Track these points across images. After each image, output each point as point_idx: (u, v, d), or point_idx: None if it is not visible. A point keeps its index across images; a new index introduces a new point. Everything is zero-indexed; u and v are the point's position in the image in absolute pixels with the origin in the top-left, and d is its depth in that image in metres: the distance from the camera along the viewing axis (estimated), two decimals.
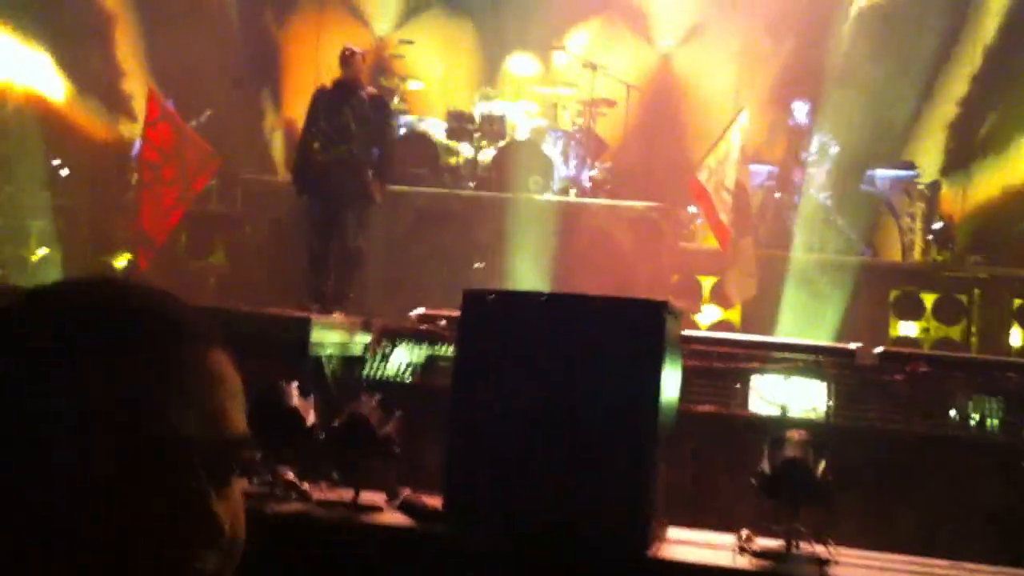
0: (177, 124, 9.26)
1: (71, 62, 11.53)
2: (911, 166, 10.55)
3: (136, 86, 11.58)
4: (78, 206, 10.17)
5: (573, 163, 10.84)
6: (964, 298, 8.85)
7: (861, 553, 4.32)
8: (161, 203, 8.96)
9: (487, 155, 10.76)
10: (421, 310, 7.25)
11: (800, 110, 10.83)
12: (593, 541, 4.43)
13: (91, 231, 9.82)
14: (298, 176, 8.48)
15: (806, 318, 8.35)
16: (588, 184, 10.85)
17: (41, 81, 11.43)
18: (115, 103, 11.65)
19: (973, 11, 11.30)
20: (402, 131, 10.74)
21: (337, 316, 7.27)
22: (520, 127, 10.94)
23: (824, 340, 7.36)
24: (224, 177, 9.82)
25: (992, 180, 10.78)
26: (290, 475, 4.80)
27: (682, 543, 4.48)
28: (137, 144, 10.02)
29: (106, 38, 11.93)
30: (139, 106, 10.60)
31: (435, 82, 11.94)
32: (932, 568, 4.32)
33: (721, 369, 5.95)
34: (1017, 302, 8.79)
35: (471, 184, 10.64)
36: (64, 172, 10.66)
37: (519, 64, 12.06)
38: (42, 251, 9.95)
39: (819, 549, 4.16)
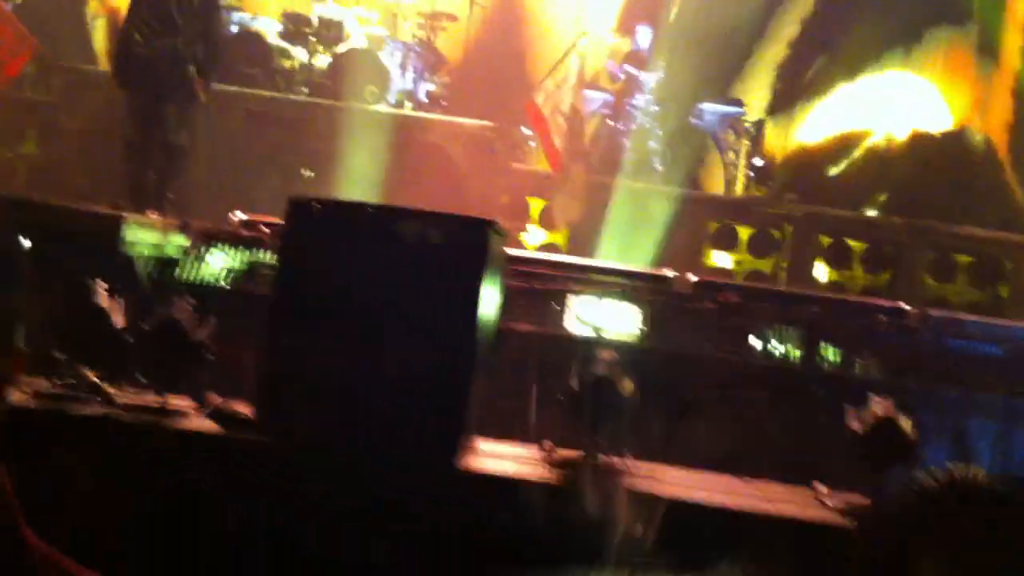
0: None
1: None
2: (739, 103, 10.85)
3: None
4: None
5: (410, 76, 10.71)
6: (777, 233, 9.23)
7: (656, 466, 4.52)
8: None
9: (322, 61, 10.51)
10: (242, 214, 7.09)
11: (643, 35, 10.96)
12: (403, 454, 4.48)
13: None
14: (118, 68, 8.11)
15: (628, 245, 8.55)
16: (425, 98, 10.75)
17: None
18: None
19: None
20: (234, 29, 10.36)
21: (153, 215, 7.04)
22: (358, 34, 10.71)
23: (643, 266, 7.56)
24: (41, 64, 9.29)
25: (814, 123, 11.20)
26: (93, 377, 4.66)
27: (491, 456, 4.59)
28: None
29: None
30: None
31: None
32: (724, 482, 4.57)
33: (540, 290, 6.06)
34: (825, 240, 9.23)
35: (304, 89, 10.39)
36: None
37: None
38: None
39: (615, 461, 4.35)
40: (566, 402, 4.61)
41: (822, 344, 5.75)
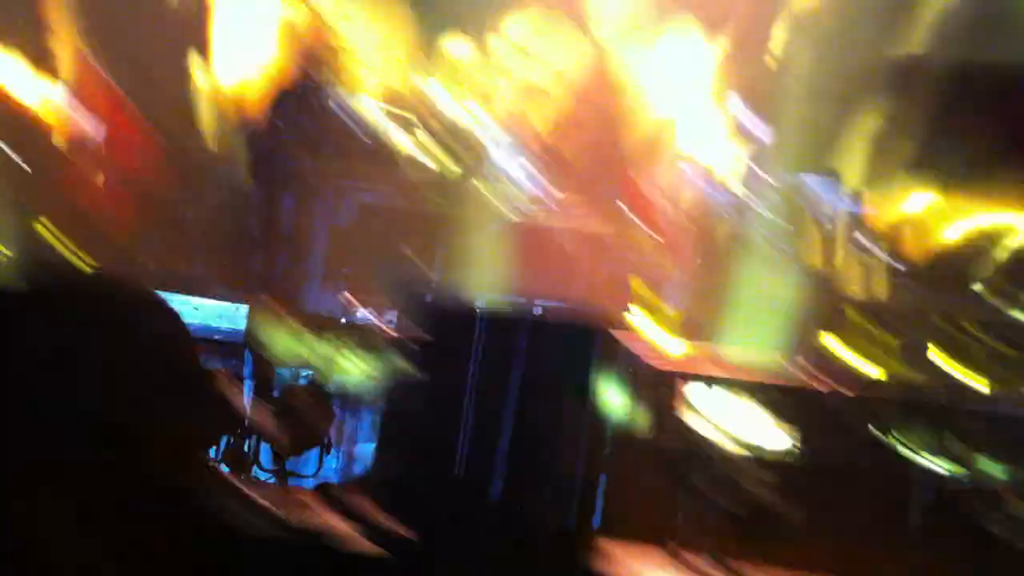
0: (108, 88, 9.04)
1: None
2: (837, 176, 10.78)
3: (62, 45, 11.19)
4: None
5: (507, 148, 10.84)
6: (896, 315, 9.06)
7: None
8: (89, 176, 8.78)
9: (424, 141, 10.69)
10: (353, 300, 7.22)
11: (737, 106, 10.96)
12: (533, 554, 4.50)
13: (14, 199, 9.50)
14: (236, 157, 8.37)
15: (741, 326, 8.50)
16: (522, 174, 10.85)
17: None
18: (40, 60, 11.24)
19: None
20: (341, 116, 10.56)
21: (272, 303, 7.21)
22: (454, 112, 10.87)
23: (759, 349, 7.50)
24: (160, 152, 9.57)
25: (921, 196, 11.01)
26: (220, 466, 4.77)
27: (621, 560, 4.58)
28: (65, 107, 9.73)
29: None
30: (67, 68, 10.28)
31: (373, 64, 11.78)
32: None
33: (663, 383, 6.04)
34: (947, 327, 8.88)
35: (411, 175, 10.56)
36: None
37: (453, 45, 11.98)
38: None
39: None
40: (697, 500, 4.59)
41: (984, 458, 5.63)
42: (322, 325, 6.75)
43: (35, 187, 9.59)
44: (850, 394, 6.33)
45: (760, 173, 10.34)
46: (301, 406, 5.04)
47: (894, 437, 5.65)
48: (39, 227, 9.52)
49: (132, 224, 8.85)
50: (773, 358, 7.23)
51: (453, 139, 10.54)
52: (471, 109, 10.97)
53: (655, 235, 9.31)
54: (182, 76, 11.73)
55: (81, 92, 9.08)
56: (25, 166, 10.04)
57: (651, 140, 9.88)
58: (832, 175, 10.81)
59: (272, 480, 5.29)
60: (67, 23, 11.35)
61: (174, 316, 3.79)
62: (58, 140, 9.95)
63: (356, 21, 11.74)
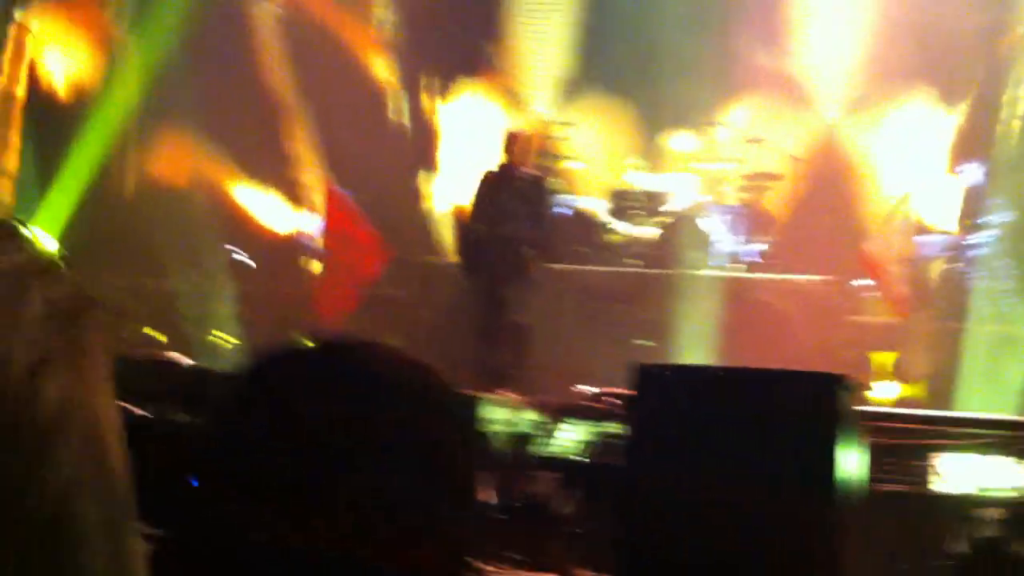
0: (351, 213, 9.65)
1: (250, 156, 12.16)
2: None
3: (311, 176, 12.11)
4: (260, 294, 10.64)
5: (738, 237, 10.76)
6: None
7: None
8: (337, 290, 9.31)
9: (649, 232, 10.78)
10: (590, 388, 7.28)
11: (973, 172, 10.51)
12: None
13: (271, 318, 10.25)
14: (463, 257, 8.71)
15: (989, 394, 8.00)
16: (755, 259, 10.73)
17: (224, 175, 12.08)
18: (291, 194, 12.20)
19: None
20: (564, 210, 10.88)
21: (505, 392, 7.36)
22: (682, 203, 10.94)
23: (1012, 413, 7.04)
24: (396, 261, 10.11)
25: None
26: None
27: None
28: (313, 233, 10.48)
29: (282, 129, 12.54)
30: (315, 198, 11.10)
31: (595, 160, 12.08)
32: None
33: (905, 446, 5.75)
34: None
35: (634, 261, 10.66)
36: (248, 262, 11.20)
37: (679, 140, 12.09)
38: (226, 336, 10.43)
39: None
40: (954, 566, 4.29)
41: None
42: (562, 410, 6.83)
43: (292, 304, 10.31)
44: None
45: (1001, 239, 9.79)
46: (546, 493, 5.09)
47: None
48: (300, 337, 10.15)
49: (374, 328, 9.34)
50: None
51: (684, 229, 10.57)
52: (698, 199, 10.99)
53: (898, 309, 8.93)
54: (416, 191, 12.46)
55: (328, 216, 9.79)
56: (280, 285, 10.84)
57: (886, 212, 9.56)
58: None
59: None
60: (312, 155, 12.33)
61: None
62: (310, 261, 10.70)
63: (579, 126, 12.11)
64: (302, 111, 12.55)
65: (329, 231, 9.70)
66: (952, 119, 11.51)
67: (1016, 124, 10.83)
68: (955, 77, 11.38)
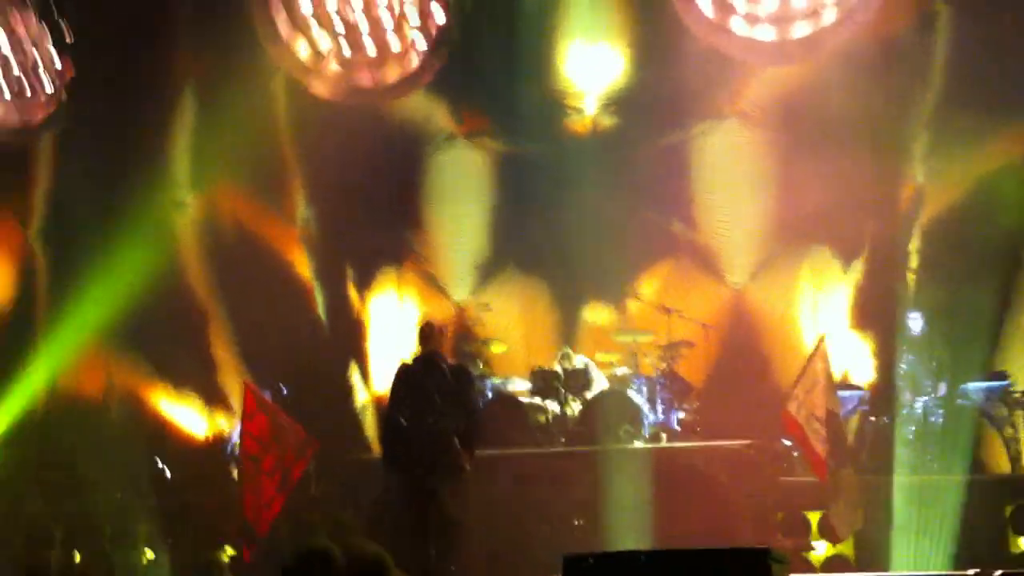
0: (273, 414, 9.53)
1: (167, 363, 12.07)
2: (1003, 376, 10.39)
3: (231, 379, 12.02)
4: (182, 505, 10.39)
5: (660, 408, 10.87)
6: None
7: None
8: (262, 494, 9.13)
9: (575, 409, 10.84)
10: None
11: (883, 325, 10.81)
12: None
13: (196, 529, 9.99)
14: (386, 452, 8.63)
15: (921, 545, 8.06)
16: (678, 427, 10.82)
17: (140, 384, 11.96)
18: (212, 398, 12.08)
19: None
20: (488, 395, 10.91)
21: None
22: (603, 378, 11.06)
23: (941, 567, 7.08)
24: (320, 459, 9.99)
25: None
26: None
27: None
28: (235, 437, 10.34)
29: (199, 335, 12.49)
30: (235, 400, 11.00)
31: (516, 342, 12.20)
32: None
33: None
34: None
35: (562, 440, 10.67)
36: (167, 473, 10.98)
37: (595, 315, 12.30)
38: (150, 553, 10.12)
39: None
40: None
41: None
42: None
43: (216, 514, 10.07)
44: None
45: (921, 383, 10.05)
46: None
47: None
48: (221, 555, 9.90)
49: (301, 532, 9.13)
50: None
51: (608, 404, 10.65)
52: (617, 372, 11.12)
53: (818, 468, 9.01)
54: (340, 385, 12.40)
55: (246, 417, 9.65)
56: (203, 495, 10.60)
57: (801, 370, 9.74)
58: (999, 376, 10.42)
59: None
60: (232, 356, 12.28)
61: None
62: (232, 467, 10.51)
63: (499, 308, 12.25)
64: (221, 311, 12.54)
65: (249, 432, 9.51)
66: (852, 276, 11.94)
67: (910, 280, 11.25)
68: (856, 234, 11.84)
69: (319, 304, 12.82)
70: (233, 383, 11.74)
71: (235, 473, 10.26)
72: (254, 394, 9.67)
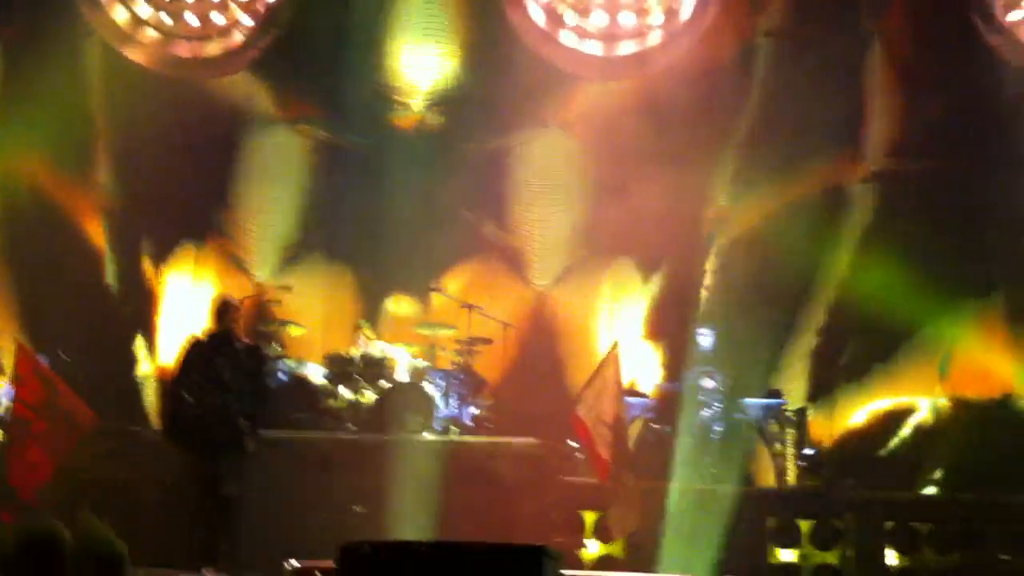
0: (48, 379, 9.09)
1: None
2: (779, 394, 10.95)
3: (4, 341, 11.41)
4: None
5: (454, 402, 10.94)
6: (839, 523, 9.05)
7: None
8: (27, 458, 8.71)
9: (368, 397, 10.78)
10: (295, 563, 7.09)
11: (703, 338, 11.20)
12: None
13: None
14: (167, 426, 8.40)
15: (689, 549, 8.39)
16: (470, 422, 10.91)
17: None
18: None
19: (829, 246, 12.02)
20: (281, 377, 10.73)
21: (209, 571, 7.07)
22: (400, 368, 11.04)
23: (704, 573, 7.39)
24: (98, 431, 9.56)
25: (856, 405, 11.24)
26: None
27: None
28: (4, 399, 9.80)
29: None
30: (7, 361, 10.43)
31: (315, 326, 12.04)
32: None
33: None
34: (889, 524, 9.02)
35: (352, 427, 10.60)
36: None
37: (398, 306, 12.28)
38: None
39: None
40: None
41: None
42: None
43: None
44: None
45: (702, 397, 10.47)
46: None
47: None
48: None
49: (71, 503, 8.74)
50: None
51: (403, 394, 10.64)
52: (415, 364, 11.13)
53: (600, 470, 9.26)
54: (126, 359, 11.97)
55: (18, 380, 9.16)
56: None
57: (592, 375, 9.99)
58: (775, 394, 10.98)
59: None
60: (8, 318, 11.66)
61: None
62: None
63: (301, 291, 12.07)
64: (3, 272, 11.93)
65: (20, 396, 9.02)
66: (649, 288, 12.36)
67: (705, 295, 11.73)
68: (658, 249, 12.25)
69: (110, 273, 12.35)
70: (7, 345, 11.13)
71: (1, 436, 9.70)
72: (28, 356, 9.21)
